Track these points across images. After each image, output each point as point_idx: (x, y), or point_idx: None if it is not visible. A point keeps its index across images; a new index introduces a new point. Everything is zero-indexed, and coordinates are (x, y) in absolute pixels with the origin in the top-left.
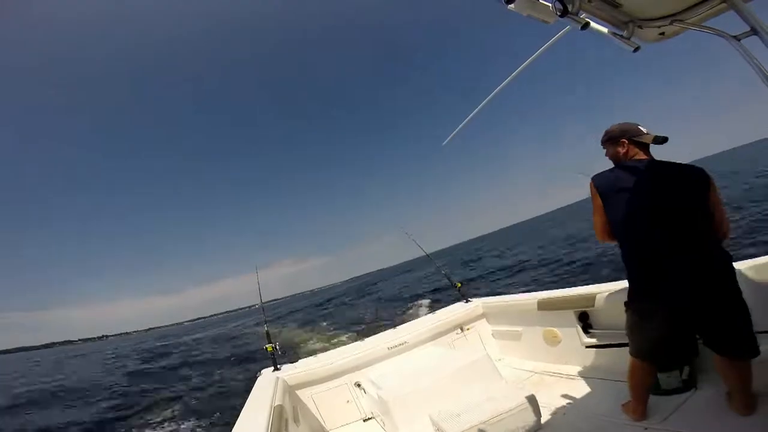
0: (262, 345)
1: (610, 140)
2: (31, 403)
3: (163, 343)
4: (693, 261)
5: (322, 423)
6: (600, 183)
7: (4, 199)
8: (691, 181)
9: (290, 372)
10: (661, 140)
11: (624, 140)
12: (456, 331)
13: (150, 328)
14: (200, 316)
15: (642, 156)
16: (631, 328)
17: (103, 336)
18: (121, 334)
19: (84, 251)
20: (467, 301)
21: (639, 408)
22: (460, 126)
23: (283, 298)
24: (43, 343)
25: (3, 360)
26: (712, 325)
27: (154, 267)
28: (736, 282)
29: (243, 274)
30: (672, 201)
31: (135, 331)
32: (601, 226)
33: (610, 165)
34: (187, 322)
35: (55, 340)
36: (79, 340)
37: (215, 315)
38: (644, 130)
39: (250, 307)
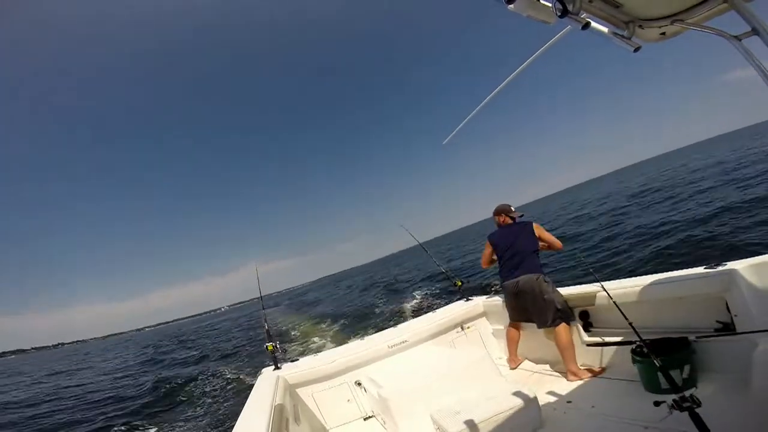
0: (263, 344)
1: (495, 214)
2: None
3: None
4: (519, 272)
5: (323, 422)
6: (490, 238)
7: None
8: (522, 231)
9: (291, 371)
10: (518, 217)
11: (500, 216)
12: (456, 330)
13: (109, 335)
14: (162, 321)
15: (508, 221)
16: (505, 301)
17: (58, 344)
18: (77, 341)
19: (25, 253)
20: (468, 300)
21: (513, 359)
22: (461, 125)
23: (249, 300)
24: None
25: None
26: (527, 307)
27: (107, 272)
28: (542, 286)
29: (206, 278)
30: (510, 243)
31: (92, 338)
32: (486, 258)
33: None
34: (148, 327)
35: (6, 350)
36: (32, 348)
37: (180, 319)
38: (512, 208)
39: (216, 310)
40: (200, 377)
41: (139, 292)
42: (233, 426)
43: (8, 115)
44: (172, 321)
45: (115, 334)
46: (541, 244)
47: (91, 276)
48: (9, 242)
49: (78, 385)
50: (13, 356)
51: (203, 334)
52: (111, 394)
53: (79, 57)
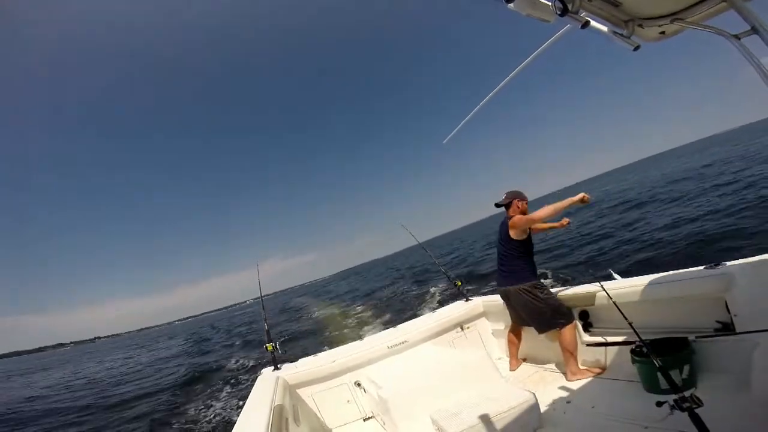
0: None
1: None
2: None
3: None
4: (505, 282)
5: (323, 422)
6: None
7: None
8: (501, 231)
9: (290, 371)
10: (497, 205)
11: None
12: (456, 330)
13: (141, 329)
14: (190, 315)
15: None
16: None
17: (94, 338)
18: (112, 335)
19: (49, 254)
20: (467, 300)
21: (513, 362)
22: (461, 124)
23: (273, 293)
24: (36, 347)
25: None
26: (522, 315)
27: (134, 267)
28: (533, 295)
29: (231, 272)
30: (497, 244)
31: (126, 332)
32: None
33: None
34: (177, 321)
35: (48, 344)
36: (71, 342)
37: (208, 312)
38: (503, 195)
39: (241, 303)
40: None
41: (164, 287)
42: (233, 426)
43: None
44: (201, 314)
45: (147, 328)
46: (535, 226)
47: (114, 273)
48: (27, 244)
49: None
50: (63, 348)
51: (247, 321)
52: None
53: (83, 59)
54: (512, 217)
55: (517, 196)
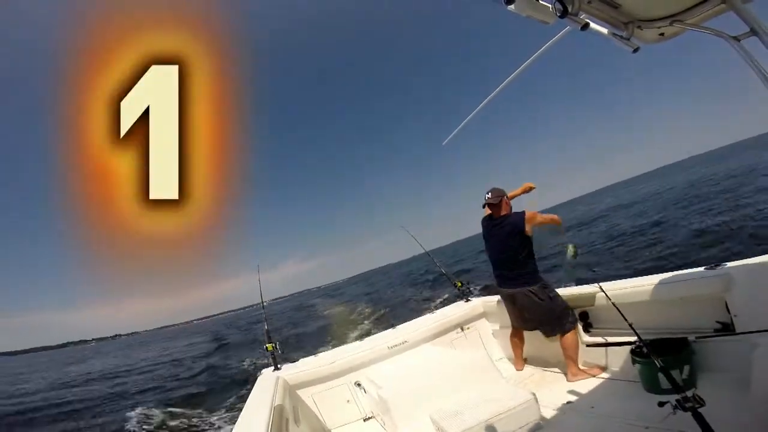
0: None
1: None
2: None
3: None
4: (512, 284)
5: (323, 422)
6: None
7: None
8: (508, 230)
9: (290, 371)
10: (484, 205)
11: (486, 207)
12: (456, 331)
13: (161, 327)
14: (207, 315)
15: (489, 211)
16: (505, 306)
17: (116, 335)
18: (132, 333)
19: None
20: (467, 301)
21: (519, 363)
22: (460, 126)
23: (289, 295)
24: (59, 342)
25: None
26: (527, 317)
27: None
28: (541, 297)
29: (243, 274)
30: (494, 245)
31: (145, 330)
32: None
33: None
34: (195, 320)
35: (71, 340)
36: (93, 339)
37: (222, 313)
38: (487, 195)
39: (256, 304)
40: None
41: (177, 287)
42: (233, 427)
43: None
44: (217, 314)
45: (166, 327)
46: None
47: (128, 272)
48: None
49: None
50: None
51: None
52: None
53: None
54: (513, 215)
55: (504, 193)
